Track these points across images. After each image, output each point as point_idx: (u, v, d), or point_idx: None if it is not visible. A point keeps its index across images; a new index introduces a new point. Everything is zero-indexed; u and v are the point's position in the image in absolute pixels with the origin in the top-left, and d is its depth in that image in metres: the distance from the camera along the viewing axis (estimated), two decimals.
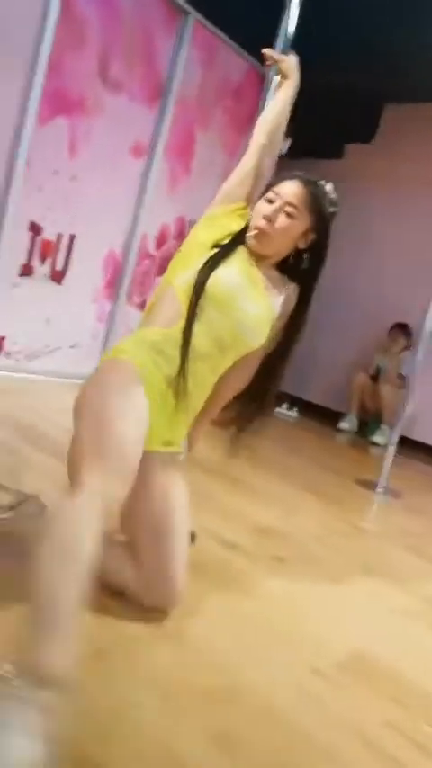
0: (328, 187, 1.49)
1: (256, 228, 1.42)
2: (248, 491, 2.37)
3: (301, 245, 1.48)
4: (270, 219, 1.41)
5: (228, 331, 1.39)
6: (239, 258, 1.44)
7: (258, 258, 1.46)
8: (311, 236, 1.47)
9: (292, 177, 1.45)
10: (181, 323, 1.36)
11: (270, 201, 1.43)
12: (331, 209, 1.48)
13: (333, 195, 1.50)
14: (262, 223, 1.41)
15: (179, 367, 1.34)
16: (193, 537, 1.64)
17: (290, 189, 1.42)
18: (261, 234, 1.42)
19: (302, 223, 1.43)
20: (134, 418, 1.23)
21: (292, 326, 1.53)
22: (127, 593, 1.31)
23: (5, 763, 0.76)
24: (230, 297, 1.39)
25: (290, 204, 1.41)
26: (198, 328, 1.36)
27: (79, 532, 0.97)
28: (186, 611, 1.36)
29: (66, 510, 1.03)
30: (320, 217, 1.45)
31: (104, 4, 3.29)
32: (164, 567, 1.31)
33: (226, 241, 1.46)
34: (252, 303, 1.41)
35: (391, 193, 4.94)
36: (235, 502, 2.23)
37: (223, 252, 1.44)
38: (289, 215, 1.41)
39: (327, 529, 2.23)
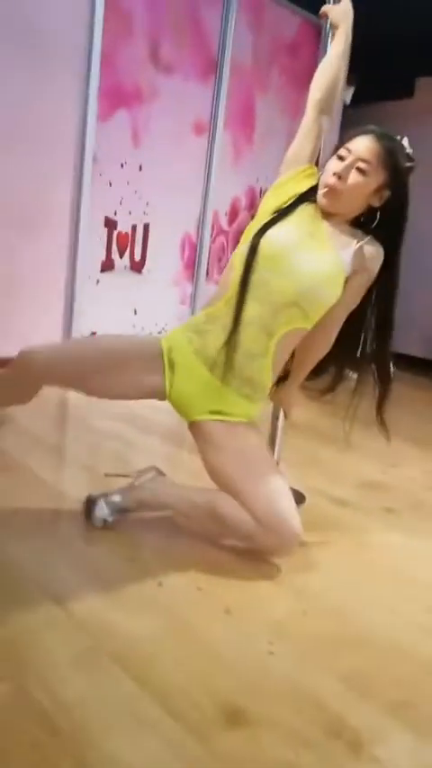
0: (405, 141, 1.44)
1: (326, 186, 1.39)
2: (349, 448, 2.36)
3: (375, 203, 1.42)
4: (341, 176, 1.37)
5: (284, 290, 1.37)
6: (301, 215, 1.43)
7: (328, 216, 1.43)
8: (386, 194, 1.41)
9: (365, 132, 1.40)
10: (226, 296, 1.41)
11: (341, 158, 1.38)
12: (408, 165, 1.41)
13: (409, 150, 1.43)
14: (332, 180, 1.37)
15: (223, 343, 1.38)
16: (301, 498, 1.68)
17: (362, 144, 1.37)
18: (331, 191, 1.39)
19: (375, 180, 1.38)
20: (102, 362, 1.44)
21: (384, 290, 1.49)
22: (252, 546, 1.37)
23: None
24: (281, 254, 1.38)
25: (362, 160, 1.36)
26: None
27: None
28: (303, 565, 1.41)
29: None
30: (396, 172, 1.39)
31: None
32: (273, 508, 1.34)
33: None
34: (310, 257, 1.39)
35: None
36: (337, 459, 2.24)
37: (281, 213, 1.43)
38: (361, 171, 1.36)
39: None
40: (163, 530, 1.52)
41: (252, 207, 4.09)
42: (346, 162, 1.37)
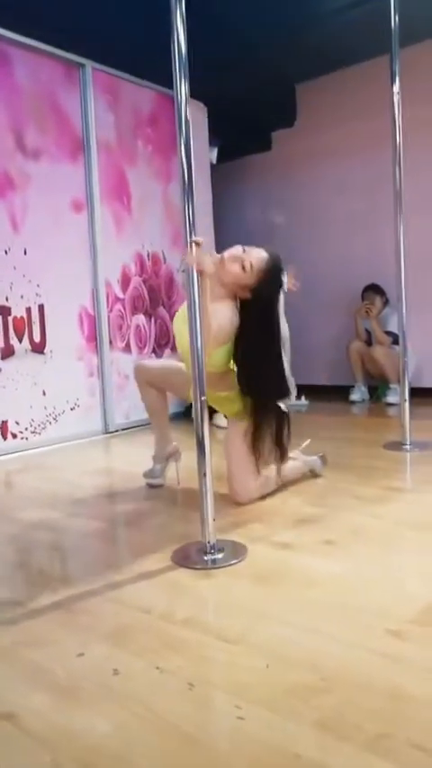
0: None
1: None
2: (280, 487, 2.40)
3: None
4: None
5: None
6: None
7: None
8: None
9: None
10: None
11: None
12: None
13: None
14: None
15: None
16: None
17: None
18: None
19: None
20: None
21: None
22: None
23: None
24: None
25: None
26: None
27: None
28: (255, 618, 1.39)
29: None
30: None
31: (3, 81, 3.39)
32: (228, 474, 2.30)
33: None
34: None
35: (324, 167, 5.01)
36: (270, 503, 2.26)
37: None
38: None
39: (366, 500, 2.25)
40: (108, 615, 1.46)
41: (143, 272, 4.17)
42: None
